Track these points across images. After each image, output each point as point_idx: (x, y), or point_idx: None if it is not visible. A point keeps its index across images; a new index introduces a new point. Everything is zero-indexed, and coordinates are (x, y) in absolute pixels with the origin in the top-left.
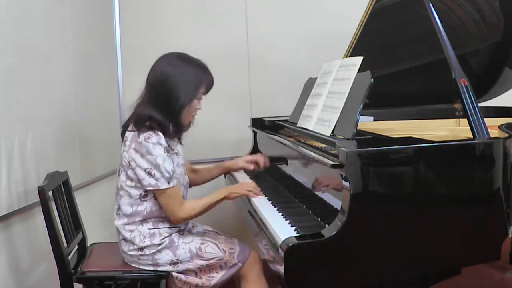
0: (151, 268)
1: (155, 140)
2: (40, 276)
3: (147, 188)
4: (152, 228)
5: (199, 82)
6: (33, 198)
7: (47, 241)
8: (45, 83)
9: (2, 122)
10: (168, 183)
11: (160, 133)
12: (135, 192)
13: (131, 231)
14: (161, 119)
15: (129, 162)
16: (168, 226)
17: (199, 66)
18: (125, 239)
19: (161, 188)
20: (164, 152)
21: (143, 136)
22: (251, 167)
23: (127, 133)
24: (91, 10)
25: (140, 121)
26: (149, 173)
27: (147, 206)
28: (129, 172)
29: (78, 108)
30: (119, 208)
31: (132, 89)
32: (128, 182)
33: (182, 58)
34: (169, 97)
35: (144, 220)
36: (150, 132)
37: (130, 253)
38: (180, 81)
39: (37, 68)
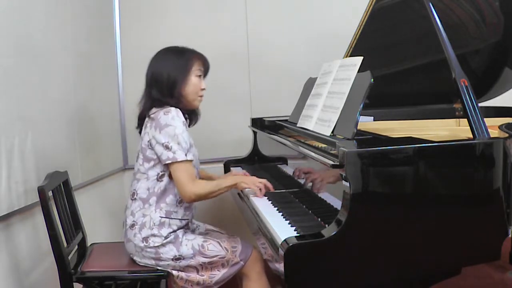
0: (153, 262)
1: (174, 113)
2: (40, 276)
3: (166, 163)
4: (163, 217)
5: (189, 57)
6: (33, 198)
7: (47, 241)
8: (45, 83)
9: (2, 122)
10: (186, 155)
11: (178, 109)
12: (152, 173)
13: (144, 215)
14: (167, 100)
15: (149, 141)
16: (180, 218)
17: (186, 49)
18: (133, 225)
19: (178, 160)
20: (183, 125)
21: (162, 111)
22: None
23: (146, 120)
24: (91, 10)
25: (147, 108)
26: (167, 147)
27: (163, 185)
28: (148, 153)
29: (78, 108)
30: (134, 193)
31: (132, 89)
32: (146, 165)
33: (168, 49)
34: (164, 82)
35: (158, 204)
36: (168, 107)
37: (135, 242)
38: (170, 64)
39: (37, 68)
